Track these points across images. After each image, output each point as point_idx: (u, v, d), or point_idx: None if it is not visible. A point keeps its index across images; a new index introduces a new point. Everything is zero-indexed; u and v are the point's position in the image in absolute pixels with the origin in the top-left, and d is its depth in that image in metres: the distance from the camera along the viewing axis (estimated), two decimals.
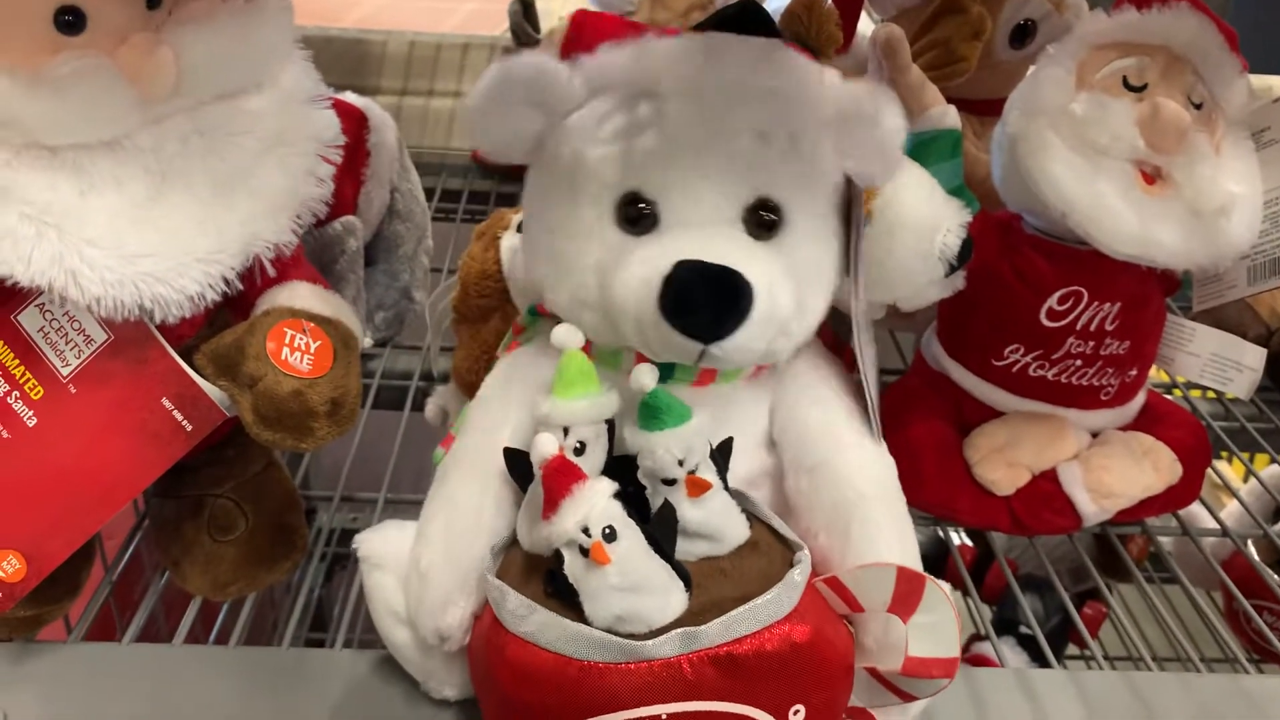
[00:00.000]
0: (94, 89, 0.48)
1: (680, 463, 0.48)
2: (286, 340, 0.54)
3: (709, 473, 0.49)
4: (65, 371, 0.54)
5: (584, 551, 0.44)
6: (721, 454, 0.50)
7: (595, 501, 0.45)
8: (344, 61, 1.24)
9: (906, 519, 0.55)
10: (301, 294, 0.58)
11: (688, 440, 0.48)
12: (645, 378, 0.49)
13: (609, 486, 0.46)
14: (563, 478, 0.45)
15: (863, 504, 0.53)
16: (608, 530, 0.44)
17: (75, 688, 0.57)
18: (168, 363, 0.54)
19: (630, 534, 0.45)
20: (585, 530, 0.44)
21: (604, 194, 0.52)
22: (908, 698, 0.48)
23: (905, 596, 0.46)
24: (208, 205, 0.52)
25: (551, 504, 0.45)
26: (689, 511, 0.48)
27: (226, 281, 0.53)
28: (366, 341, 0.85)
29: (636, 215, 0.51)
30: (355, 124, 0.84)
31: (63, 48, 0.48)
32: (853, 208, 0.55)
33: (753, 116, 0.51)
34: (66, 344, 0.54)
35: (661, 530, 0.46)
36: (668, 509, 0.47)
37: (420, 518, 0.55)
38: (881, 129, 0.51)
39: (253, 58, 0.54)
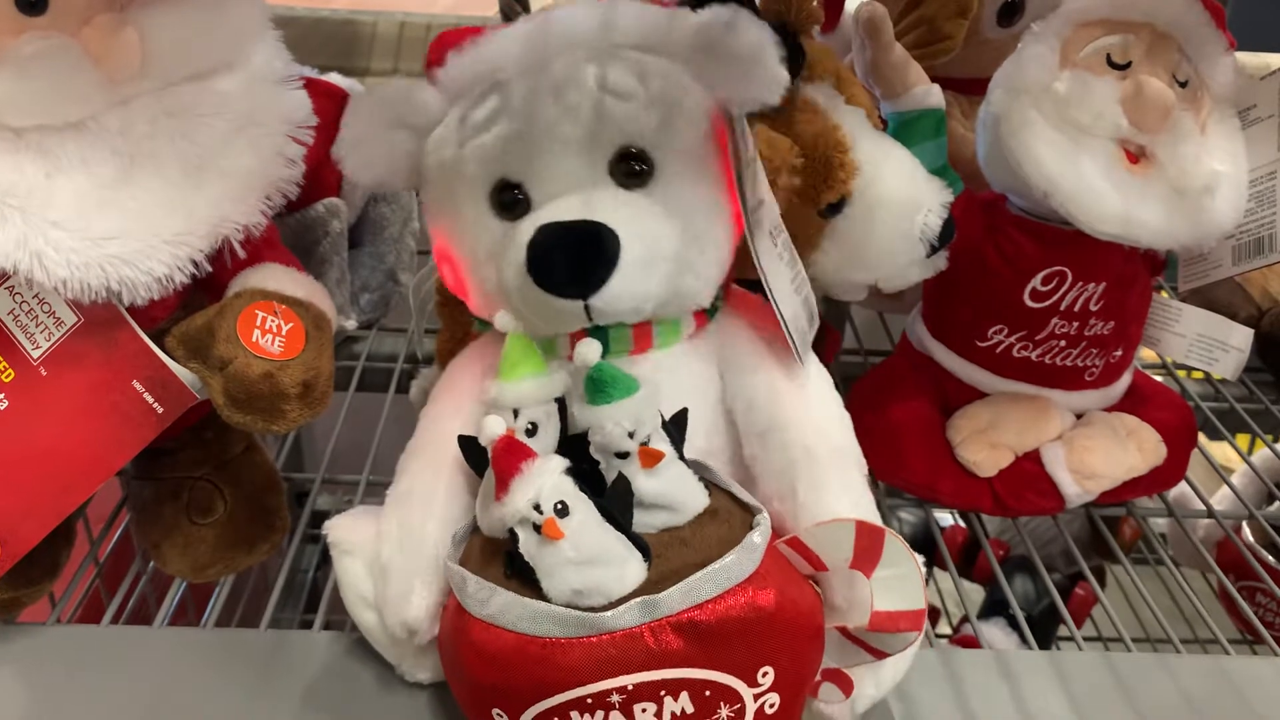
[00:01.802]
0: (58, 70, 0.48)
1: (631, 435, 0.48)
2: (257, 322, 0.53)
3: (661, 443, 0.48)
4: (36, 354, 0.54)
5: (537, 529, 0.44)
6: (676, 424, 0.50)
7: (545, 478, 0.45)
8: (334, 43, 1.23)
9: (857, 475, 0.54)
10: (274, 276, 0.58)
11: (636, 411, 0.48)
12: (589, 352, 0.49)
13: (559, 463, 0.46)
14: (511, 457, 0.45)
15: (807, 462, 0.52)
16: (559, 505, 0.44)
17: (54, 669, 0.57)
18: (138, 345, 0.54)
19: (583, 508, 0.45)
20: (537, 507, 0.44)
21: (475, 189, 0.53)
22: (879, 654, 0.48)
23: (866, 551, 0.46)
24: (176, 187, 0.51)
25: (502, 484, 0.45)
26: (645, 483, 0.48)
27: (195, 264, 0.52)
28: (351, 324, 0.85)
29: (510, 201, 0.52)
30: (339, 105, 0.82)
31: (25, 29, 0.48)
32: (735, 139, 0.53)
33: (594, 73, 0.50)
34: (37, 326, 0.54)
35: (615, 502, 0.46)
36: (622, 481, 0.47)
37: (381, 515, 0.56)
38: (742, 52, 0.49)
39: (221, 38, 0.53)
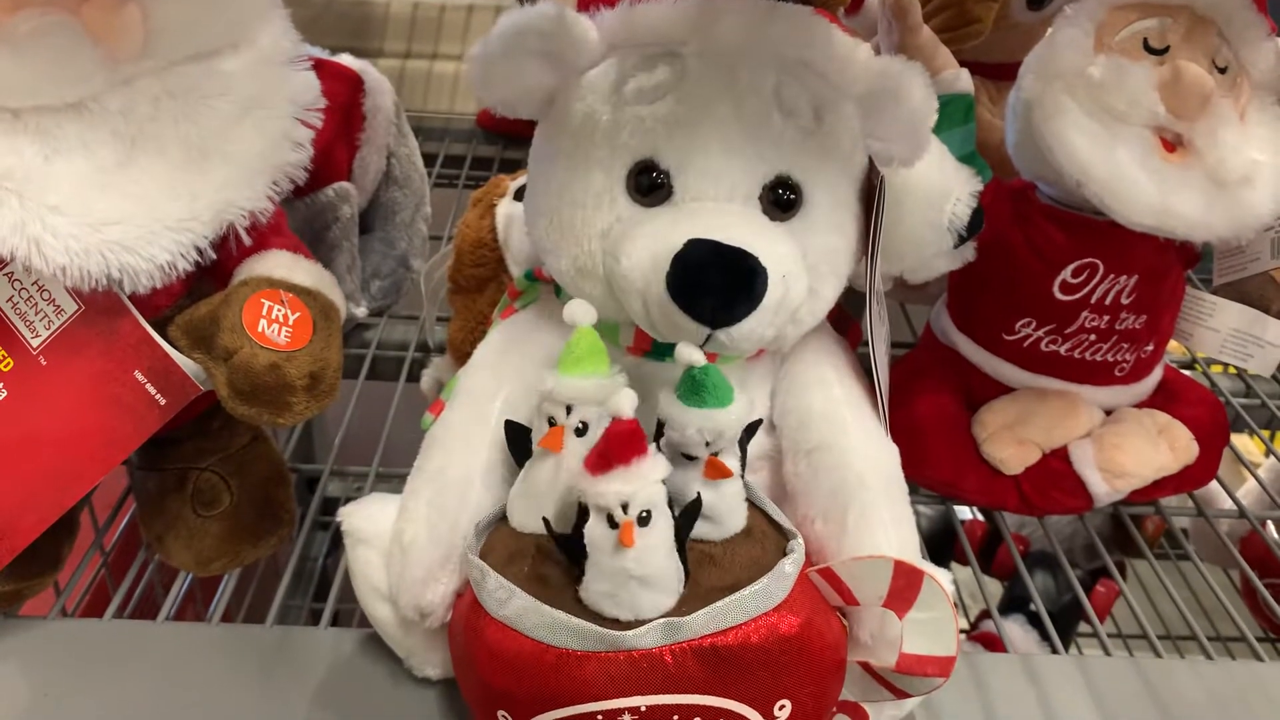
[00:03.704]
0: (56, 48, 0.46)
1: (707, 444, 0.46)
2: (264, 312, 0.52)
3: (731, 459, 0.47)
4: (35, 343, 0.52)
5: (612, 524, 0.42)
6: (747, 433, 0.48)
7: (646, 483, 0.42)
8: (346, 24, 1.22)
9: (907, 509, 0.53)
10: (281, 263, 0.56)
11: (722, 425, 0.46)
12: (693, 354, 0.46)
13: (664, 470, 0.43)
14: (627, 444, 0.42)
15: (862, 491, 0.51)
16: (644, 514, 0.42)
17: (57, 664, 0.56)
18: (140, 334, 0.52)
19: (663, 525, 0.43)
20: (624, 506, 0.42)
21: (616, 160, 0.50)
22: (901, 694, 0.47)
23: (902, 591, 0.44)
24: (180, 170, 0.50)
25: (605, 464, 0.42)
26: (701, 491, 0.46)
27: (199, 250, 0.51)
28: (362, 311, 0.83)
29: (649, 185, 0.50)
30: (350, 87, 0.82)
31: (23, 5, 0.46)
32: (876, 195, 0.52)
33: (780, 88, 0.49)
34: (36, 315, 0.52)
35: (684, 523, 0.44)
36: (696, 505, 0.45)
37: (405, 489, 0.54)
38: (910, 107, 0.49)
39: (227, 17, 0.51)
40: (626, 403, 0.43)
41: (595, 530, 0.43)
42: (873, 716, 0.49)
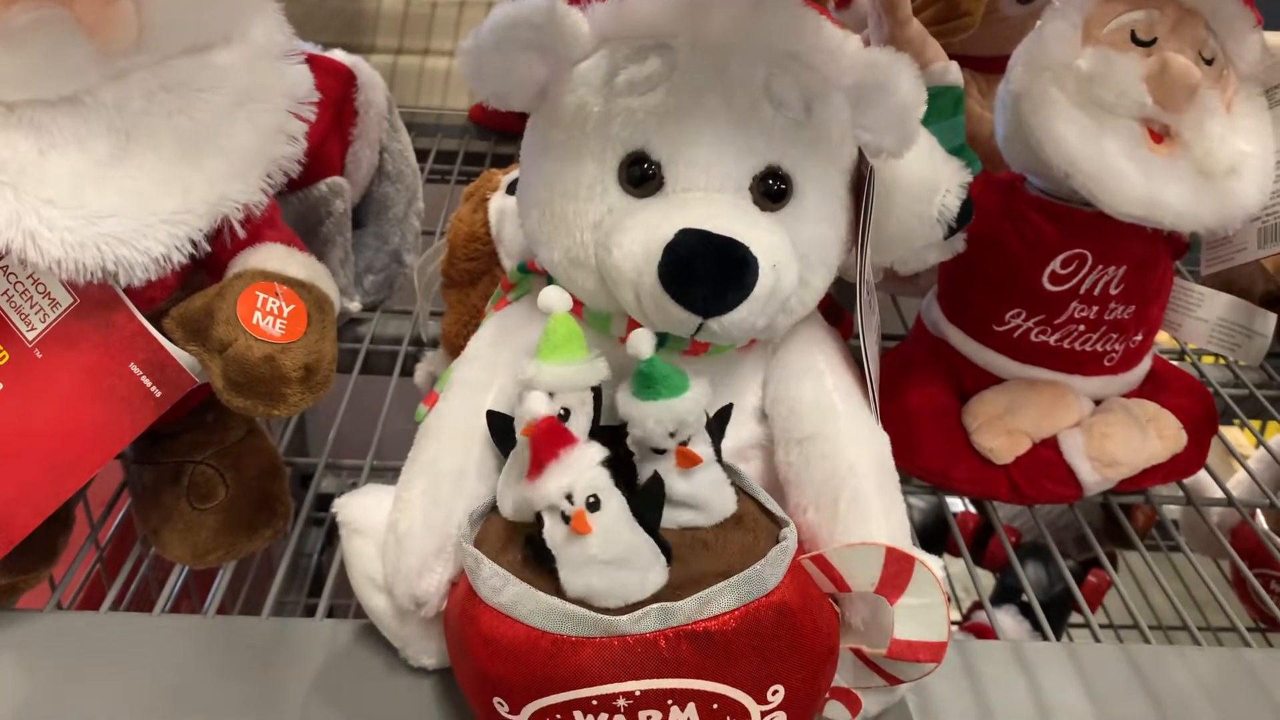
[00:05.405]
0: (50, 41, 0.46)
1: (671, 434, 0.46)
2: (258, 304, 0.52)
3: (702, 445, 0.47)
4: (31, 336, 0.52)
5: (565, 519, 0.43)
6: (718, 422, 0.49)
7: (582, 469, 0.43)
8: (338, 19, 1.22)
9: (898, 497, 0.53)
10: (275, 256, 0.56)
11: (680, 414, 0.46)
12: (642, 344, 0.47)
13: (598, 453, 0.44)
14: (551, 440, 0.43)
15: (854, 479, 0.51)
16: (592, 499, 0.42)
17: (53, 657, 0.56)
18: (135, 327, 0.52)
19: (615, 505, 0.43)
20: (569, 497, 0.42)
21: (608, 151, 0.50)
22: (893, 680, 0.47)
23: (893, 577, 0.45)
24: (174, 164, 0.50)
25: (537, 466, 0.43)
26: (677, 482, 0.47)
27: (194, 243, 0.51)
28: (355, 306, 0.84)
29: (641, 176, 0.50)
30: (343, 82, 0.82)
31: None
32: (866, 185, 0.53)
33: (770, 80, 0.49)
34: (31, 307, 0.52)
35: (647, 502, 0.44)
36: (656, 482, 0.46)
37: (399, 480, 0.54)
38: (898, 99, 0.50)
39: (220, 10, 0.51)
40: (537, 402, 0.44)
41: (554, 532, 0.43)
42: (865, 703, 0.50)
